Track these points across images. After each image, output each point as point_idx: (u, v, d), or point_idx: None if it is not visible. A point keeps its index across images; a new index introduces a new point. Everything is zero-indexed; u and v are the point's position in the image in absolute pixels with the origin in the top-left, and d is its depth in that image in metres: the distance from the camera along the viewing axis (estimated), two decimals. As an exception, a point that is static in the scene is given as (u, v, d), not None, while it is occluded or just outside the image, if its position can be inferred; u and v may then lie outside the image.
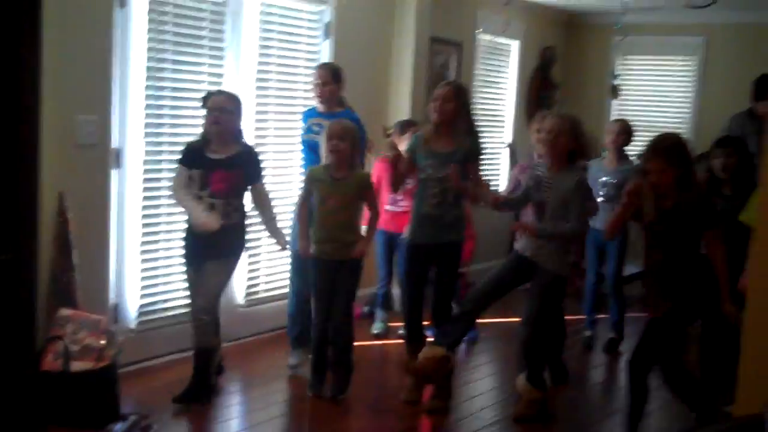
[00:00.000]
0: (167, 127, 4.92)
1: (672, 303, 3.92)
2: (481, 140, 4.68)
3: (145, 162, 4.81)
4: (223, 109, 4.31)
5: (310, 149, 4.93)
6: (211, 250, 4.36)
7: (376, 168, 5.75)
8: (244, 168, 4.39)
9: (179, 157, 4.46)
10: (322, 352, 4.62)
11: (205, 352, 4.40)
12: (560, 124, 4.37)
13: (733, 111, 6.50)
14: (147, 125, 4.78)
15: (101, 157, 4.58)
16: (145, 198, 4.83)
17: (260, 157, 4.64)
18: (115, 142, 4.64)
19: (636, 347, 4.09)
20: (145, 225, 4.86)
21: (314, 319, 4.63)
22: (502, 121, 8.22)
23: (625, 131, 5.90)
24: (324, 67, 5.10)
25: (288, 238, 4.77)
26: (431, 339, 4.59)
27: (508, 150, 8.02)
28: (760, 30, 7.83)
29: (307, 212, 4.60)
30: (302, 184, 4.68)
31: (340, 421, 4.44)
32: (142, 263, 4.88)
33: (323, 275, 4.57)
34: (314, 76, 5.06)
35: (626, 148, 5.95)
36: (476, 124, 4.64)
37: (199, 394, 4.40)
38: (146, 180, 4.82)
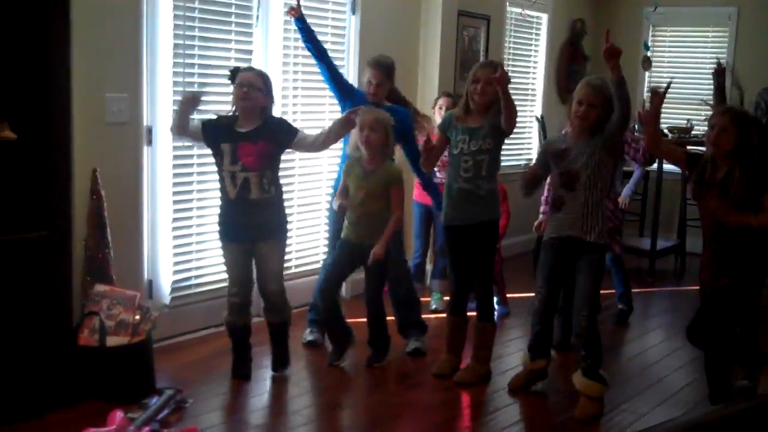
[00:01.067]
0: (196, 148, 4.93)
1: (731, 277, 3.90)
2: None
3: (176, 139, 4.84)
4: (251, 85, 4.33)
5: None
6: (258, 230, 4.40)
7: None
8: (273, 137, 4.38)
9: (205, 122, 4.44)
10: (332, 324, 4.79)
11: (284, 325, 4.60)
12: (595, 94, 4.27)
13: (766, 83, 6.43)
14: (176, 102, 4.79)
15: (133, 135, 4.63)
16: (176, 175, 4.87)
17: (286, 121, 4.61)
18: (146, 120, 4.69)
19: (695, 320, 4.10)
20: (176, 202, 4.91)
21: (319, 297, 4.81)
22: (533, 95, 8.18)
23: None
24: (377, 66, 4.95)
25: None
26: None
27: (538, 124, 7.98)
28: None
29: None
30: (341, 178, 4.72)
31: (372, 393, 4.50)
32: (174, 240, 4.93)
33: (345, 255, 4.66)
34: (367, 74, 4.97)
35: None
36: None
37: (288, 360, 4.63)
38: (177, 157, 4.86)
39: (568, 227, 4.25)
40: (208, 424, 3.98)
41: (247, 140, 4.32)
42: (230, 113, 4.42)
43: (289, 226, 4.61)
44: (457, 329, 4.72)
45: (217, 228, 4.51)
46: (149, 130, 4.71)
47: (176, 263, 4.98)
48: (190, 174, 4.94)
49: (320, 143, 4.51)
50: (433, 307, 5.87)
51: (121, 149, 4.58)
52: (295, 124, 5.40)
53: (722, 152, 3.84)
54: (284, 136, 4.44)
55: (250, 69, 4.48)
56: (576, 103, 4.26)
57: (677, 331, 5.40)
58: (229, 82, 4.39)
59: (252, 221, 4.37)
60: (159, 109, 4.73)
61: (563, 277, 4.40)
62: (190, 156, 4.90)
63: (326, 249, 5.31)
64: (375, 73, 4.91)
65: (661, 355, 5.27)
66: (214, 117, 4.47)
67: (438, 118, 5.69)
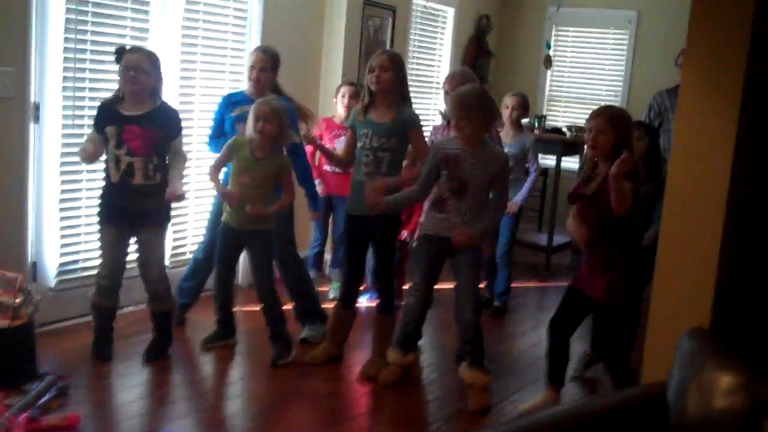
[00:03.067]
0: (88, 82, 4.77)
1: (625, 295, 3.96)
2: (413, 108, 4.61)
3: (65, 117, 4.67)
4: (139, 69, 4.17)
5: None
6: (139, 217, 4.29)
7: (319, 126, 5.72)
8: (161, 125, 4.26)
9: (93, 120, 4.31)
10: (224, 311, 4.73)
11: (166, 314, 4.52)
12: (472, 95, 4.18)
13: (665, 85, 6.56)
14: (66, 79, 4.64)
15: (19, 111, 4.44)
16: (65, 154, 4.69)
17: (178, 114, 4.45)
18: (33, 96, 4.50)
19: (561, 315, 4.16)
20: (64, 182, 4.73)
21: (215, 285, 4.69)
22: (437, 88, 8.20)
23: (522, 105, 5.98)
24: (265, 52, 4.85)
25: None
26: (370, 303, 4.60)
27: (441, 117, 7.99)
28: (692, 4, 7.92)
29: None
30: (222, 150, 4.51)
31: (263, 382, 4.43)
32: (62, 221, 4.77)
33: (229, 243, 4.57)
34: (252, 59, 4.84)
35: (523, 121, 6.13)
36: (409, 92, 4.55)
37: (164, 350, 4.54)
38: (66, 135, 4.69)
39: (447, 229, 4.20)
40: (90, 411, 3.86)
41: (134, 124, 4.20)
42: (113, 95, 4.29)
43: (185, 212, 4.53)
44: (342, 320, 4.69)
45: (97, 209, 4.39)
46: (36, 107, 4.53)
47: (63, 245, 4.81)
48: (77, 162, 4.75)
49: (171, 167, 4.38)
50: (332, 296, 5.82)
51: (5, 125, 4.39)
52: (193, 106, 5.33)
53: (601, 153, 3.88)
54: (172, 128, 4.34)
55: (137, 49, 4.31)
56: (451, 116, 4.22)
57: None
58: (116, 62, 4.23)
59: (133, 207, 4.27)
60: (48, 85, 4.55)
61: (437, 275, 4.38)
62: (80, 135, 4.71)
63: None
64: (261, 58, 4.81)
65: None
66: (97, 108, 4.33)
67: (341, 107, 5.64)
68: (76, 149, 4.65)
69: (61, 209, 4.76)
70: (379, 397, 4.37)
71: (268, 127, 4.34)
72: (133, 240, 4.42)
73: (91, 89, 4.77)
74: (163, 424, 3.84)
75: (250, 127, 4.38)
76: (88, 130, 4.64)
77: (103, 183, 4.33)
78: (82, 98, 4.74)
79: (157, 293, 4.45)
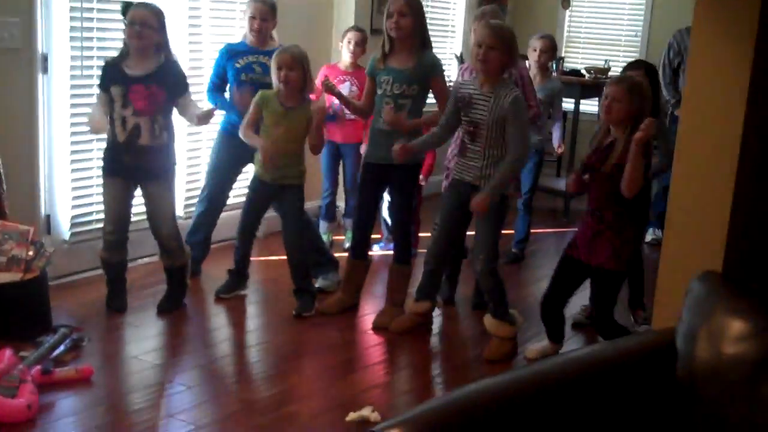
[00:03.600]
0: (96, 32, 4.72)
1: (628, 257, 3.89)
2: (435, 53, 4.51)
3: (73, 68, 4.63)
4: (144, 23, 4.12)
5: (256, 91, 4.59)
6: (145, 173, 4.26)
7: (321, 74, 5.62)
8: (167, 83, 4.22)
9: (99, 81, 4.27)
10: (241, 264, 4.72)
11: (179, 269, 4.51)
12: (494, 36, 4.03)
13: (685, 24, 6.39)
14: (74, 29, 4.59)
15: (27, 62, 4.40)
16: (75, 105, 4.66)
17: (183, 72, 4.38)
18: (41, 47, 4.45)
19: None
20: (74, 134, 4.70)
21: (238, 236, 4.66)
22: (453, 31, 8.06)
23: (550, 48, 5.80)
24: (265, 2, 4.77)
25: None
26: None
27: (457, 61, 7.88)
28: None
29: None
30: (251, 108, 4.43)
31: (276, 332, 4.43)
32: (73, 173, 4.74)
33: (260, 196, 4.53)
34: (252, 10, 4.76)
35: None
36: (429, 36, 4.44)
37: (178, 302, 4.54)
38: (74, 86, 4.65)
39: (467, 173, 4.13)
40: (104, 363, 3.88)
41: (139, 83, 4.15)
42: (118, 54, 4.24)
43: (198, 162, 4.51)
44: (355, 270, 4.66)
45: (101, 163, 4.36)
46: (45, 58, 4.48)
47: (75, 197, 4.79)
48: (89, 105, 4.70)
49: (196, 120, 4.37)
50: (347, 245, 5.79)
51: (13, 76, 4.36)
52: (201, 62, 5.24)
53: (614, 121, 3.76)
54: (176, 87, 4.28)
55: (143, 4, 4.23)
56: (475, 45, 4.04)
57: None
58: (122, 16, 4.18)
59: (139, 164, 4.24)
60: (55, 35, 4.50)
61: (461, 220, 4.28)
62: (90, 86, 4.68)
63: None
64: (261, 8, 4.74)
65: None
66: (102, 67, 4.28)
67: (346, 53, 5.51)
68: (85, 100, 4.64)
69: (73, 161, 4.73)
70: (393, 346, 4.35)
71: (292, 75, 4.28)
72: (139, 194, 4.39)
73: (99, 39, 4.73)
74: (177, 375, 3.84)
75: (274, 78, 4.33)
76: (96, 81, 4.61)
77: (109, 139, 4.29)
78: (90, 48, 4.69)
79: (169, 248, 4.43)
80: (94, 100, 4.65)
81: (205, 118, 4.36)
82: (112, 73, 4.18)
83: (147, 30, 4.12)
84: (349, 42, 5.51)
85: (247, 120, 4.42)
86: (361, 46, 5.43)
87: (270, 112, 4.36)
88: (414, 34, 4.29)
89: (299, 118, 4.36)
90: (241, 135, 4.46)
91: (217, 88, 4.87)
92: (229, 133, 4.82)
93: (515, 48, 4.06)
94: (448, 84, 4.66)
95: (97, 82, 4.38)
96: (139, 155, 4.21)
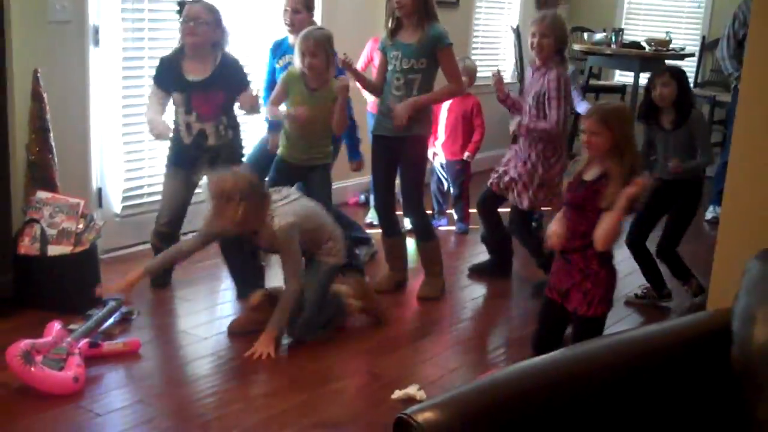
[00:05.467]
0: (147, 2, 4.71)
1: None
2: (441, 24, 4.36)
3: (125, 40, 4.63)
4: (198, 19, 4.10)
5: None
6: (211, 161, 4.22)
7: (368, 47, 5.53)
8: (226, 85, 4.22)
9: (154, 74, 4.27)
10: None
11: None
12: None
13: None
14: (125, 1, 4.58)
15: (78, 34, 4.39)
16: (126, 78, 4.67)
17: (241, 68, 4.35)
18: (92, 19, 4.44)
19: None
20: (126, 107, 4.70)
21: None
22: (509, 3, 7.91)
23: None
24: None
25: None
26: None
27: (513, 35, 7.73)
28: None
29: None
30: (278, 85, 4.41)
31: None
32: (125, 146, 4.75)
33: (285, 176, 4.44)
34: (285, 1, 4.68)
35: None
36: (434, 8, 4.32)
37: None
38: (126, 59, 4.65)
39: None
40: (152, 337, 3.88)
41: (200, 90, 4.16)
42: (174, 51, 4.22)
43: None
44: (391, 248, 4.62)
45: (167, 152, 4.37)
46: (96, 30, 4.47)
47: (128, 170, 4.81)
48: (141, 77, 4.72)
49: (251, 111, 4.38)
50: (368, 220, 5.75)
51: (65, 49, 4.35)
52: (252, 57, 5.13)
53: (597, 155, 3.52)
54: (236, 85, 4.27)
55: (198, 1, 4.19)
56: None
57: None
58: (178, 15, 4.17)
59: (206, 155, 4.24)
60: (106, 7, 4.49)
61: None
62: (141, 58, 4.68)
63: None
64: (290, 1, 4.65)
65: (628, 271, 5.16)
66: (159, 63, 4.26)
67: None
68: (136, 72, 4.64)
69: (125, 133, 4.74)
70: (442, 320, 4.30)
71: (315, 62, 4.22)
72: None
73: (151, 11, 4.70)
74: (225, 349, 3.82)
75: (297, 63, 4.27)
76: (149, 53, 4.60)
77: (174, 137, 4.30)
78: (141, 20, 4.68)
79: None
80: (145, 72, 4.67)
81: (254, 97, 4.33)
82: (172, 76, 4.18)
83: (201, 26, 4.11)
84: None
85: (273, 98, 4.39)
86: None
87: (295, 93, 4.31)
88: (416, 9, 4.21)
89: (324, 98, 4.30)
90: (267, 113, 4.44)
91: (271, 87, 4.71)
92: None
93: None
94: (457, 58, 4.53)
95: (150, 53, 4.36)
96: (206, 152, 4.25)
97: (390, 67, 4.32)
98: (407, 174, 4.44)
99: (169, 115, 4.33)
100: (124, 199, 4.80)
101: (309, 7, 4.70)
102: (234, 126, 4.32)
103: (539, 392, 1.81)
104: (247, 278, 4.24)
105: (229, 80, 4.24)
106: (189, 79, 4.17)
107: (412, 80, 4.24)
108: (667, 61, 6.62)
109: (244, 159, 4.50)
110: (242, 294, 4.26)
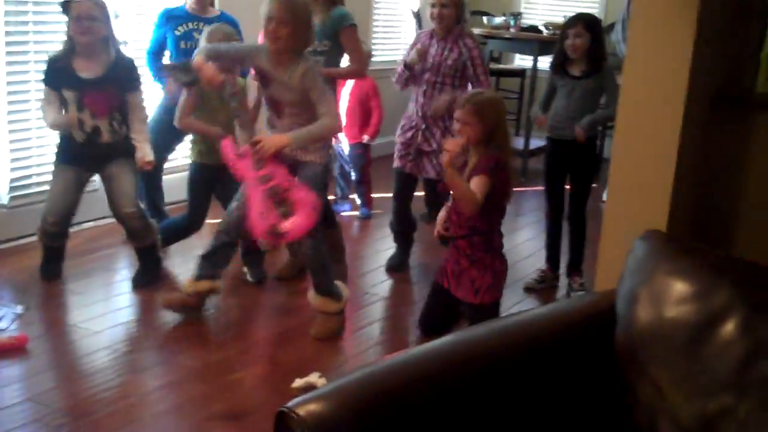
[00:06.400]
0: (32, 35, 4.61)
1: None
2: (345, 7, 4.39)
3: (7, 26, 4.48)
4: (92, 17, 3.96)
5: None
6: (103, 159, 4.13)
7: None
8: (120, 83, 4.10)
9: (43, 76, 4.10)
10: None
11: (151, 248, 4.33)
12: None
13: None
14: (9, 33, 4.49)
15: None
16: (11, 63, 4.52)
17: (135, 67, 4.23)
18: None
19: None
20: (11, 93, 4.56)
21: (189, 219, 4.48)
22: (409, -12, 7.91)
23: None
24: None
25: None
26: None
27: (415, 19, 7.74)
28: None
29: None
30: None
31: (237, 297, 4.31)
32: (11, 134, 4.59)
33: (205, 181, 4.35)
34: None
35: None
36: None
37: (156, 276, 4.36)
38: (10, 44, 4.51)
39: None
40: (42, 332, 3.76)
41: (93, 88, 4.03)
42: (62, 49, 4.06)
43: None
44: None
45: (56, 150, 4.22)
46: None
47: (14, 160, 4.65)
48: (26, 63, 4.56)
49: (132, 124, 4.19)
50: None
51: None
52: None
53: (470, 143, 3.48)
54: (130, 85, 4.16)
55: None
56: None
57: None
58: (63, 14, 4.01)
59: (99, 153, 4.12)
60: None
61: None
62: (26, 43, 4.53)
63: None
64: None
65: (530, 252, 5.22)
66: (48, 59, 4.10)
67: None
68: (22, 58, 4.49)
69: (10, 122, 4.59)
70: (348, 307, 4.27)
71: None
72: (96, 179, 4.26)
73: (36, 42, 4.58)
74: (119, 343, 3.72)
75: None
76: (33, 37, 4.45)
77: (63, 135, 4.15)
78: (26, 13, 4.54)
79: (133, 229, 4.21)
80: (32, 57, 4.52)
81: (148, 164, 4.21)
82: (62, 75, 4.03)
83: (95, 24, 3.98)
84: None
85: (181, 109, 4.16)
86: None
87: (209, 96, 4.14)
88: None
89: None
90: (179, 124, 4.22)
91: (155, 55, 4.72)
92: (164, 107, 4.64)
93: None
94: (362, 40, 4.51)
95: (34, 37, 4.21)
96: (99, 150, 4.11)
97: None
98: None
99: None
100: (11, 189, 4.63)
101: None
102: (127, 122, 4.18)
103: (428, 379, 1.79)
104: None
105: (122, 78, 4.12)
106: (81, 77, 4.03)
107: (316, 62, 4.17)
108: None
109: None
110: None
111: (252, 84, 4.14)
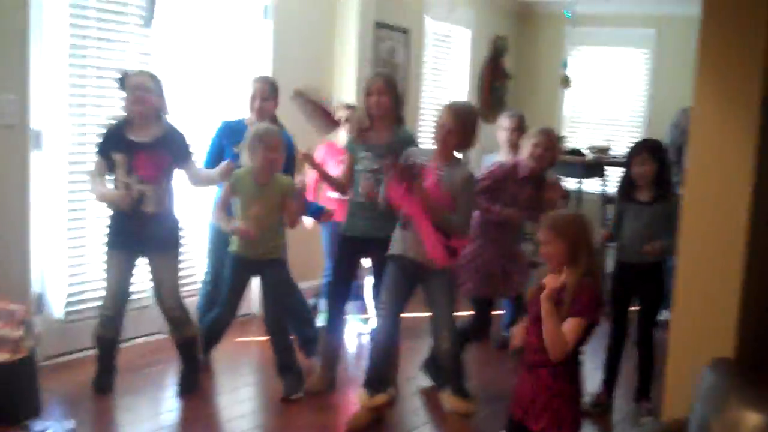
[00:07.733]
0: (91, 107, 4.70)
1: None
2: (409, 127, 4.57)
3: (71, 144, 4.60)
4: (145, 88, 4.11)
5: None
6: (152, 241, 4.19)
7: (319, 150, 5.51)
8: (170, 150, 4.19)
9: (98, 144, 4.20)
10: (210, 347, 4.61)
11: (188, 342, 4.39)
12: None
13: (686, 103, 6.38)
14: (71, 105, 4.57)
15: (20, 138, 4.36)
16: (71, 182, 4.62)
17: (185, 137, 4.33)
18: (35, 123, 4.41)
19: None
20: (71, 210, 4.65)
21: (221, 310, 4.46)
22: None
23: (520, 127, 5.43)
24: (265, 81, 4.75)
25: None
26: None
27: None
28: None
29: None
30: (224, 188, 4.34)
31: (283, 416, 4.27)
32: (69, 250, 4.67)
33: (241, 272, 4.39)
34: (254, 89, 4.70)
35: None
36: (404, 113, 4.51)
37: (197, 381, 4.43)
38: (72, 163, 4.61)
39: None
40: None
41: (144, 150, 4.12)
42: (118, 120, 4.20)
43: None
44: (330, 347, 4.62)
45: (97, 240, 4.29)
46: (37, 134, 4.45)
47: (71, 275, 4.71)
48: (85, 181, 4.65)
49: (200, 180, 4.40)
50: (320, 324, 5.39)
51: (7, 153, 4.32)
52: (195, 128, 5.16)
53: (552, 264, 3.14)
54: (182, 153, 4.27)
55: (140, 72, 4.25)
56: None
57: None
58: (119, 87, 4.16)
59: (147, 232, 4.17)
60: (50, 111, 4.48)
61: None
62: (85, 163, 4.63)
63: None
64: (262, 87, 4.69)
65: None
66: (103, 133, 4.22)
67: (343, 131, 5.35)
68: (82, 177, 4.58)
69: (69, 238, 4.67)
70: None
71: (280, 159, 4.24)
72: (145, 263, 4.30)
73: (96, 114, 4.69)
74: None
75: (248, 158, 4.23)
76: (93, 157, 4.56)
77: (112, 215, 4.23)
78: (85, 124, 4.66)
79: (174, 319, 4.32)
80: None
81: (225, 174, 4.28)
82: (115, 140, 4.14)
83: (147, 94, 4.12)
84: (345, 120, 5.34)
85: (220, 202, 4.33)
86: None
87: (245, 190, 4.26)
88: (391, 110, 4.37)
89: (273, 192, 4.26)
90: (214, 220, 4.40)
91: (212, 166, 4.75)
92: None
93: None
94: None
95: (94, 157, 4.31)
96: (144, 223, 4.16)
97: (360, 167, 4.35)
98: (378, 272, 4.36)
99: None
100: (68, 304, 4.68)
101: (276, 96, 4.75)
102: (171, 195, 4.26)
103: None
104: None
105: (174, 146, 4.22)
106: (132, 140, 4.13)
107: (381, 180, 4.21)
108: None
109: (182, 241, 4.43)
110: None
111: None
